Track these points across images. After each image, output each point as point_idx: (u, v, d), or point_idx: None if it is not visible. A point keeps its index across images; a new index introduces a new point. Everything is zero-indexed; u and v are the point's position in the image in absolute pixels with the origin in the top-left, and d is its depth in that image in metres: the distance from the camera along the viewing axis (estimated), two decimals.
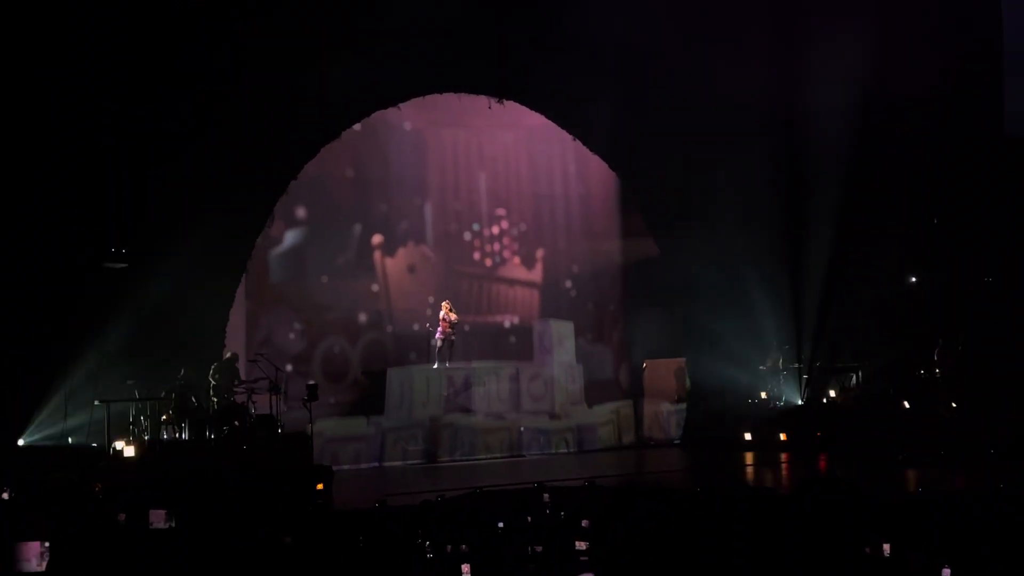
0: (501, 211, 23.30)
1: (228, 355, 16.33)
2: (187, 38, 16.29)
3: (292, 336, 20.23)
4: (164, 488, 12.87)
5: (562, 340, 22.21)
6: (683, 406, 22.06)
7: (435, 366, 20.38)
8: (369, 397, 20.25)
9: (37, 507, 10.52)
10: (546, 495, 10.10)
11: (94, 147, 15.68)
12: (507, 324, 22.75)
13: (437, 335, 20.21)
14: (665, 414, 22.21)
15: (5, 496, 11.01)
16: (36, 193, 15.18)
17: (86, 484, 12.51)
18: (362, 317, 21.18)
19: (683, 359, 22.25)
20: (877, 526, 6.98)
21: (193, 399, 14.76)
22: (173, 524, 7.91)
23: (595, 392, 22.76)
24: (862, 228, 20.76)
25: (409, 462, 19.71)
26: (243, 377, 16.22)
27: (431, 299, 21.06)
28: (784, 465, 17.74)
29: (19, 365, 14.75)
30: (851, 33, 20.35)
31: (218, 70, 16.60)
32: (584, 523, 8.12)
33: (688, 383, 22.04)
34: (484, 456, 20.35)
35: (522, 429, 20.91)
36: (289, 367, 18.69)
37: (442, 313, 20.20)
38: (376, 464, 19.54)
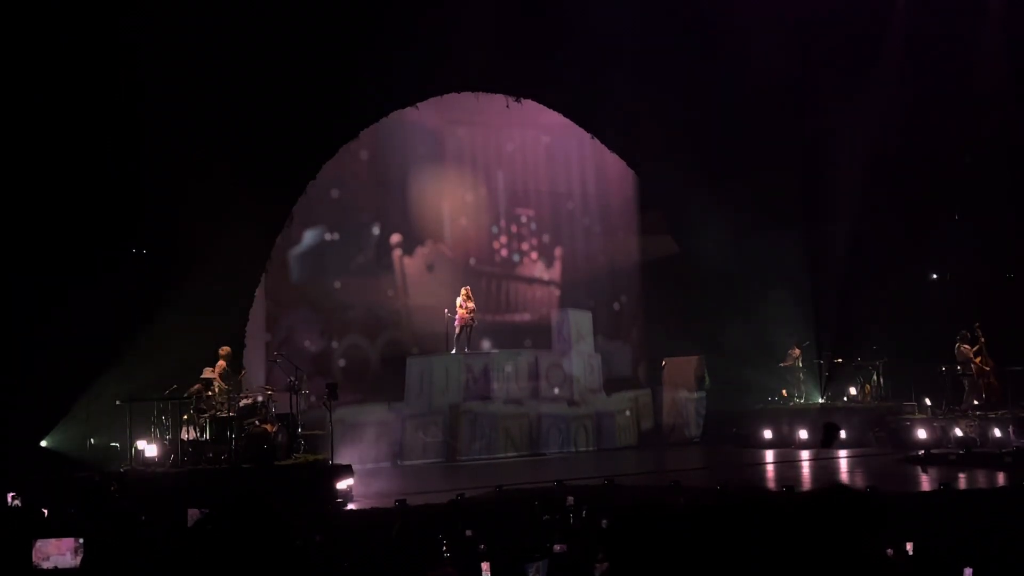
0: (519, 209, 23.32)
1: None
2: (206, 40, 16.34)
3: (312, 335, 20.29)
4: (186, 487, 12.98)
5: (580, 329, 22.18)
6: (702, 394, 21.94)
7: (453, 351, 20.37)
8: (389, 385, 20.26)
9: (61, 506, 10.61)
10: (570, 498, 10.07)
11: (116, 149, 15.76)
12: (526, 320, 22.77)
13: (456, 322, 20.19)
14: (683, 401, 22.11)
15: (17, 502, 11.06)
16: (64, 195, 15.28)
17: (106, 484, 12.60)
18: (381, 315, 21.23)
19: (702, 356, 22.15)
20: (899, 526, 6.95)
21: (214, 399, 14.80)
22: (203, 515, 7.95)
23: (614, 384, 22.75)
24: (883, 224, 20.65)
25: (429, 459, 19.70)
26: (254, 375, 16.25)
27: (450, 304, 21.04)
28: (803, 464, 17.66)
29: (41, 366, 14.82)
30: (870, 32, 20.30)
31: (234, 71, 16.64)
32: (604, 523, 8.11)
33: (707, 378, 21.96)
34: (504, 444, 20.30)
35: (541, 415, 20.86)
36: (309, 366, 18.74)
37: (460, 300, 20.15)
38: (397, 449, 19.53)
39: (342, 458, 15.76)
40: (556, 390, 21.45)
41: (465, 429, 20.06)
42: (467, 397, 20.36)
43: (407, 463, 19.45)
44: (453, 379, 20.32)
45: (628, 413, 22.30)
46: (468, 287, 20.34)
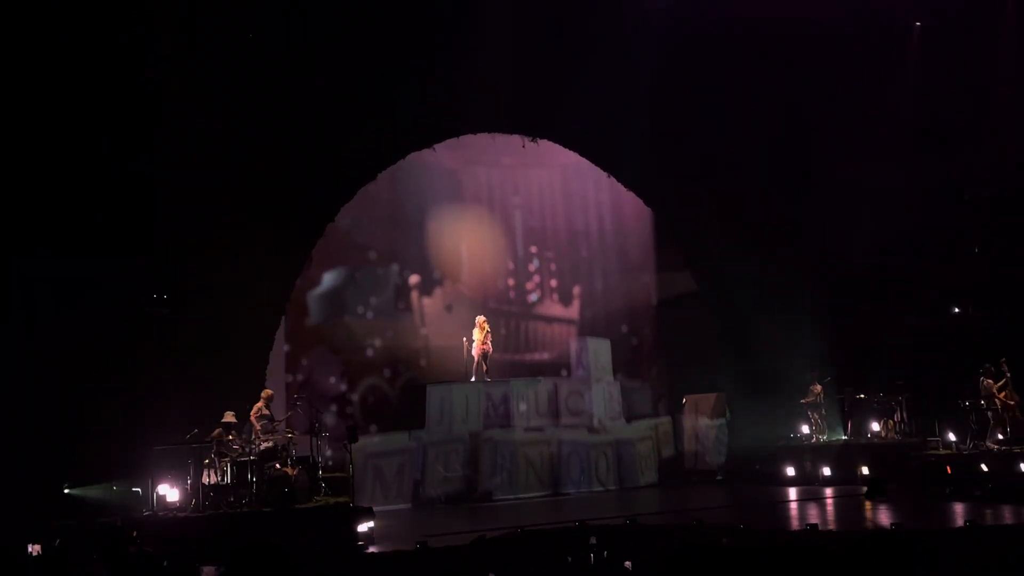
0: (537, 249, 23.37)
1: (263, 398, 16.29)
2: (226, 85, 16.55)
3: (332, 377, 20.33)
4: (207, 532, 12.96)
5: (599, 357, 22.07)
6: (723, 422, 21.76)
7: (472, 379, 20.35)
8: (409, 414, 20.23)
9: (83, 553, 10.60)
10: (592, 537, 10.00)
11: (134, 193, 15.92)
12: (545, 358, 22.74)
13: (475, 351, 20.18)
14: (705, 429, 21.94)
15: (37, 551, 11.05)
16: (84, 245, 15.42)
17: (128, 529, 12.59)
18: (401, 356, 21.26)
19: (722, 393, 22.03)
20: (925, 562, 6.87)
21: (235, 443, 14.81)
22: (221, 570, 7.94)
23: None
24: (903, 258, 20.58)
25: (450, 489, 19.61)
26: (277, 417, 16.28)
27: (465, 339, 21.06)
28: (829, 503, 17.48)
29: (67, 412, 14.89)
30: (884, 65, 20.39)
31: (253, 113, 16.83)
32: (627, 564, 8.05)
33: (728, 412, 21.81)
34: (524, 471, 20.14)
35: (561, 442, 20.74)
36: (330, 408, 18.76)
37: (476, 330, 20.17)
38: (419, 476, 19.42)
39: (363, 489, 15.71)
40: (576, 417, 21.33)
41: (486, 457, 19.94)
42: (487, 425, 20.30)
43: (429, 495, 19.33)
44: (473, 407, 20.24)
45: (649, 442, 22.12)
46: (484, 316, 20.35)
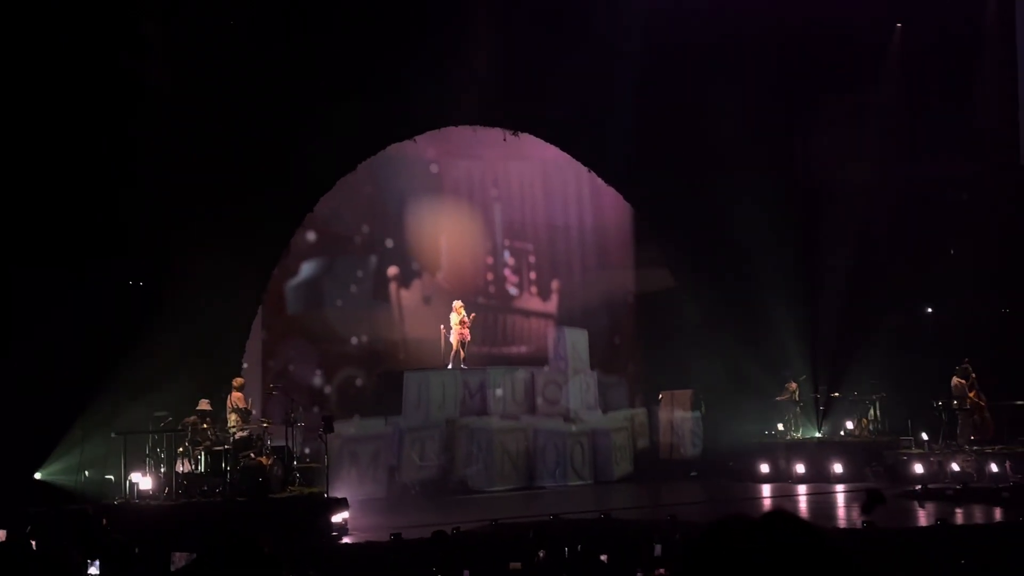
0: (516, 243, 23.36)
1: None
2: (207, 70, 16.45)
3: (308, 367, 20.27)
4: (181, 520, 12.92)
5: (577, 347, 22.13)
6: (698, 414, 21.86)
7: (449, 367, 20.35)
8: (387, 399, 20.23)
9: (51, 540, 10.53)
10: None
11: (110, 177, 15.79)
12: (523, 352, 22.77)
13: (452, 338, 20.20)
14: (680, 421, 22.06)
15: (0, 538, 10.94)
16: (57, 227, 15.29)
17: (99, 517, 12.53)
18: (378, 348, 21.22)
19: (696, 389, 22.12)
20: (894, 560, 6.93)
21: (209, 431, 14.76)
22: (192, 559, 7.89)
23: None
24: (879, 259, 20.72)
25: (426, 476, 19.65)
26: (254, 408, 16.23)
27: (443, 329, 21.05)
28: (799, 499, 17.61)
29: (36, 398, 14.77)
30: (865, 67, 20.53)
31: (232, 103, 16.74)
32: (603, 558, 8.08)
33: (702, 407, 21.92)
34: (500, 460, 20.19)
35: (537, 431, 20.81)
36: (306, 397, 18.72)
37: (454, 315, 20.21)
38: (395, 463, 19.46)
39: (339, 476, 15.72)
40: (552, 406, 21.40)
41: (462, 444, 19.99)
42: (463, 412, 20.35)
43: (404, 481, 19.38)
44: (450, 394, 20.28)
45: (625, 432, 22.21)
46: (460, 302, 20.37)
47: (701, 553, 2.24)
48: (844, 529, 12.45)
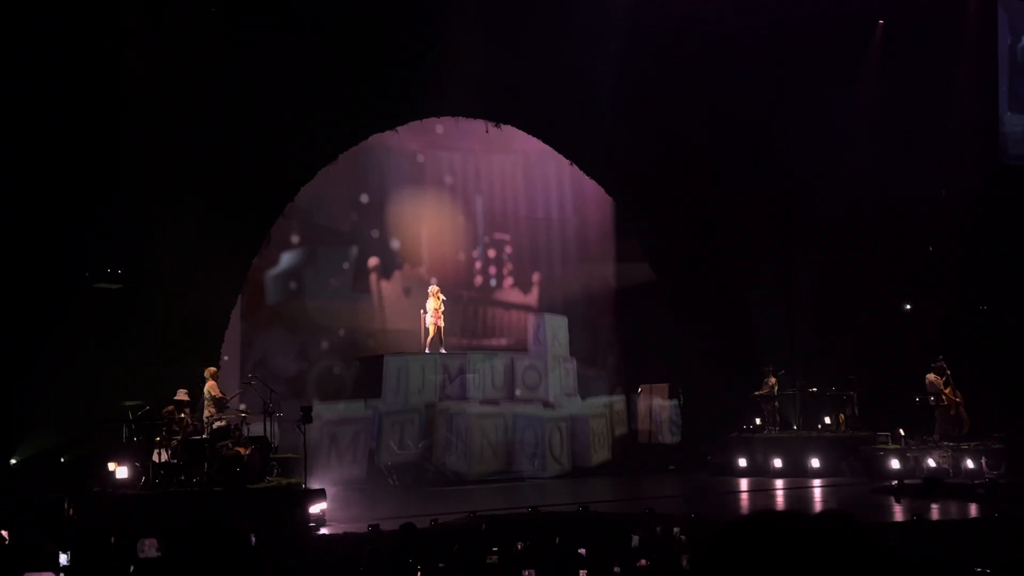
0: (497, 235, 23.33)
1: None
2: (186, 61, 16.34)
3: (287, 357, 20.20)
4: (156, 510, 12.84)
5: (556, 333, 22.20)
6: (676, 402, 21.99)
7: (427, 351, 20.36)
8: (367, 383, 20.25)
9: (24, 527, 10.46)
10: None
11: (91, 167, 15.68)
12: (503, 344, 22.77)
13: (429, 322, 20.20)
14: (658, 408, 22.17)
15: None
16: (32, 213, 15.16)
17: (69, 505, 12.44)
18: (358, 339, 21.16)
19: (675, 383, 22.20)
20: (869, 556, 6.95)
21: (186, 420, 14.67)
22: (164, 550, 7.83)
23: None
24: (858, 254, 20.82)
25: (404, 459, 19.62)
26: (237, 399, 16.16)
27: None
28: (779, 494, 17.68)
29: (12, 384, 14.67)
30: (846, 62, 20.60)
31: (213, 93, 16.63)
32: (581, 551, 8.08)
33: (681, 399, 22.02)
34: (479, 444, 20.29)
35: (516, 416, 20.87)
36: (284, 387, 18.63)
37: (431, 299, 20.22)
38: (374, 445, 19.55)
39: (318, 458, 15.70)
40: (531, 392, 21.44)
41: (441, 429, 20.05)
42: (443, 397, 20.42)
43: (383, 464, 19.41)
44: (429, 378, 20.33)
45: (603, 419, 22.30)
46: (437, 286, 20.37)
47: (738, 549, 2.13)
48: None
